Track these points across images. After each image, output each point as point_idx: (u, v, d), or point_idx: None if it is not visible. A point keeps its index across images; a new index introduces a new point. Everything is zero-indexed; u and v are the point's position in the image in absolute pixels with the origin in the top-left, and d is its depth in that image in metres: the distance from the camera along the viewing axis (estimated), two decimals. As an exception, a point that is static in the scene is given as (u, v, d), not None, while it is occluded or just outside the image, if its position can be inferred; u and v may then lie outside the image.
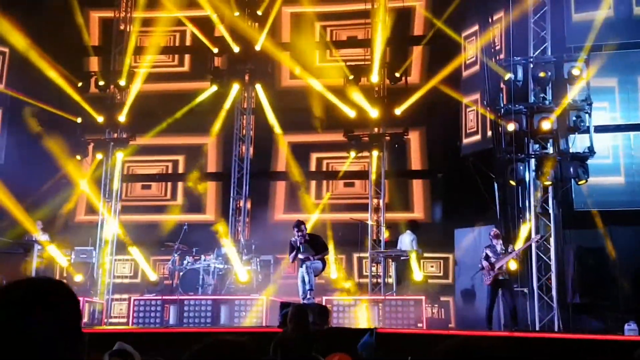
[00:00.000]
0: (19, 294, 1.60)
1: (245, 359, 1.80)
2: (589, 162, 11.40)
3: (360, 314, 11.42)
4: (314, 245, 9.99)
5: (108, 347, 4.93)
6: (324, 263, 10.15)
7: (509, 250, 10.38)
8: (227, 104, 14.97)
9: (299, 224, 10.03)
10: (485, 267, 10.33)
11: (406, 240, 12.75)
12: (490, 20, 13.03)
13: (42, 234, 12.86)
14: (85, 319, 12.24)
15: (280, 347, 3.22)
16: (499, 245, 10.43)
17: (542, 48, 12.18)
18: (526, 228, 11.55)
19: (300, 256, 10.10)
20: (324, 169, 15.17)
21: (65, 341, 1.58)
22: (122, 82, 14.70)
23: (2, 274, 11.99)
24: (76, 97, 14.50)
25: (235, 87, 14.92)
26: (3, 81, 14.85)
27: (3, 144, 14.56)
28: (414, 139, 14.74)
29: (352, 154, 14.13)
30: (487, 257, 10.36)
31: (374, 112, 13.94)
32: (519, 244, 11.00)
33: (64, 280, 1.80)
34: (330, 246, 12.40)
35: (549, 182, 11.49)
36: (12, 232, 13.01)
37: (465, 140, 13.81)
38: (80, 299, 12.01)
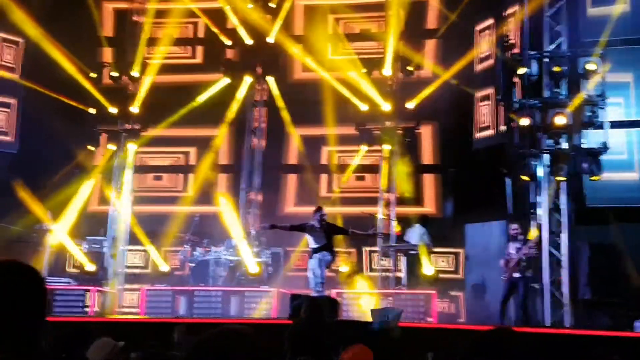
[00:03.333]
0: None
1: (253, 349, 1.80)
2: (603, 157, 11.30)
3: (370, 308, 11.41)
4: (329, 234, 9.96)
5: (119, 335, 4.96)
6: (334, 255, 10.13)
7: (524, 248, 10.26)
8: (239, 96, 14.98)
9: (320, 208, 10.04)
10: (502, 263, 10.19)
11: (415, 234, 12.71)
12: (504, 14, 12.93)
13: (55, 224, 12.97)
14: (96, 308, 12.34)
15: (294, 338, 3.23)
16: (519, 241, 10.28)
17: (557, 42, 12.07)
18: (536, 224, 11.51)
19: (312, 245, 10.07)
20: (335, 162, 15.15)
21: (24, 325, 1.55)
22: (135, 74, 14.76)
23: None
24: (90, 87, 14.57)
25: (248, 80, 14.93)
26: (18, 71, 14.93)
27: (17, 134, 14.67)
28: (426, 133, 14.68)
29: (364, 147, 14.11)
30: (508, 253, 10.26)
31: (386, 106, 13.91)
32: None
33: (33, 266, 1.74)
34: (340, 239, 12.41)
35: (562, 178, 11.41)
36: (25, 221, 13.13)
37: (478, 135, 13.73)
38: (92, 288, 11.98)
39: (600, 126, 11.45)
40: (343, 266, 12.95)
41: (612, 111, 11.90)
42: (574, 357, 7.19)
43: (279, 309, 11.36)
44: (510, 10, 12.89)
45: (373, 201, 14.07)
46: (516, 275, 10.16)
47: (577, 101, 11.45)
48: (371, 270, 14.12)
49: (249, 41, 14.91)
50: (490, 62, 13.44)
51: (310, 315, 5.90)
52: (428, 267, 12.32)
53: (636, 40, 12.35)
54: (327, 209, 13.77)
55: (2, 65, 14.70)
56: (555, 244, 11.49)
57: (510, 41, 12.81)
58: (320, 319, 5.86)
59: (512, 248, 10.26)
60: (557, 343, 8.19)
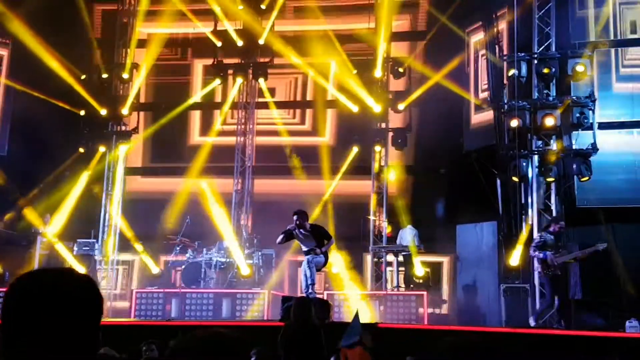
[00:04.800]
0: (42, 284, 1.60)
1: (238, 352, 1.80)
2: (592, 158, 11.37)
3: (362, 309, 11.43)
4: (317, 237, 9.90)
5: (110, 339, 4.95)
6: (327, 257, 10.09)
7: (569, 246, 9.97)
8: (230, 98, 14.96)
9: (295, 213, 9.95)
10: (550, 259, 9.85)
11: (407, 235, 12.75)
12: (494, 16, 12.99)
13: (48, 227, 12.92)
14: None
15: (285, 339, 3.24)
16: (554, 237, 10.02)
17: (546, 44, 12.14)
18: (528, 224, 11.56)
19: (303, 248, 10.06)
20: (327, 163, 15.13)
21: (81, 337, 1.58)
22: (125, 75, 14.71)
23: (6, 265, 12.03)
24: (79, 89, 14.51)
25: (239, 81, 14.92)
26: (6, 73, 14.85)
27: (6, 136, 14.59)
28: (416, 134, 14.72)
29: (355, 148, 14.12)
30: (543, 247, 9.92)
31: (377, 107, 13.94)
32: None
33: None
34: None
35: (552, 179, 11.47)
36: (15, 224, 13.06)
37: (468, 136, 13.79)
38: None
39: (589, 127, 11.52)
40: (335, 267, 12.93)
41: (601, 112, 11.98)
42: (565, 358, 7.24)
43: (270, 311, 11.35)
44: (499, 12, 12.96)
45: (365, 202, 14.08)
46: (559, 273, 9.89)
47: (566, 102, 11.51)
48: (363, 271, 14.12)
49: (239, 42, 14.89)
50: (480, 64, 13.49)
51: (297, 316, 5.89)
52: (419, 268, 12.34)
53: (624, 42, 12.44)
54: (319, 211, 13.92)
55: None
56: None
57: (500, 43, 12.88)
58: (307, 320, 5.85)
59: (549, 241, 9.91)
60: (548, 344, 8.22)
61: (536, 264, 10.18)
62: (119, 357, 4.48)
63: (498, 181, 12.38)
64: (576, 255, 9.92)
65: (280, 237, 9.94)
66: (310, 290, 9.68)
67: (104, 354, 4.40)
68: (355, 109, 14.16)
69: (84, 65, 15.09)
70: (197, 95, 15.46)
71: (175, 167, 15.74)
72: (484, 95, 13.52)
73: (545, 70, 11.66)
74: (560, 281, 10.02)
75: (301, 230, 9.78)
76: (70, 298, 1.58)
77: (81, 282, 1.64)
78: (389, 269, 13.02)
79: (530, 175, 11.68)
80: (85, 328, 1.59)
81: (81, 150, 14.49)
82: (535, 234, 10.67)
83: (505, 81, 12.19)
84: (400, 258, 12.66)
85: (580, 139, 11.67)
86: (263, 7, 15.10)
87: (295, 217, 9.79)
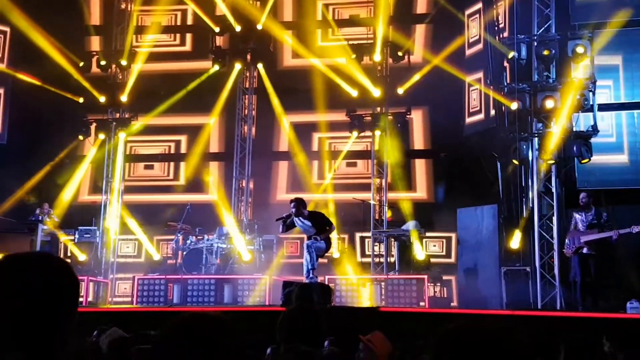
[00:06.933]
0: (21, 267, 1.59)
1: (226, 334, 1.80)
2: (593, 140, 11.35)
3: (363, 293, 11.48)
4: (317, 224, 9.88)
5: (113, 325, 4.96)
6: (329, 243, 10.08)
7: (602, 221, 9.67)
8: (229, 84, 14.91)
9: (292, 201, 9.92)
10: (574, 236, 9.69)
11: (410, 225, 12.77)
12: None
13: (48, 215, 12.94)
14: (90, 298, 12.35)
15: (285, 325, 3.25)
16: (590, 214, 9.81)
17: (546, 26, 12.07)
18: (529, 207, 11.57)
19: (305, 234, 10.07)
20: (327, 148, 15.13)
21: (57, 320, 1.56)
22: (123, 62, 14.66)
23: (7, 252, 12.03)
24: (78, 76, 14.47)
25: (237, 67, 14.85)
26: (5, 61, 14.79)
27: (6, 125, 14.56)
28: (416, 118, 14.68)
29: (355, 133, 14.10)
30: (575, 224, 9.82)
31: (376, 92, 13.89)
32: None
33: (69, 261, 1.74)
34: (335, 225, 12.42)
35: (552, 161, 11.46)
36: (15, 211, 13.09)
37: (468, 120, 13.75)
38: (85, 278, 11.94)
39: (589, 109, 11.49)
40: (336, 252, 12.96)
41: (602, 94, 11.94)
42: (565, 339, 7.25)
43: (271, 296, 11.40)
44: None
45: (365, 187, 14.09)
46: (586, 251, 9.71)
47: (566, 84, 11.46)
48: (364, 256, 14.16)
49: (237, 28, 14.80)
50: (480, 46, 13.42)
51: (299, 302, 5.91)
52: (420, 252, 12.37)
53: (625, 23, 12.36)
54: (319, 197, 13.92)
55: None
56: (546, 227, 11.57)
57: (500, 25, 12.80)
58: (310, 305, 5.87)
59: (579, 220, 9.79)
60: (550, 325, 8.26)
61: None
62: (127, 335, 4.50)
63: (498, 164, 12.37)
64: (607, 235, 9.59)
65: (281, 226, 9.95)
66: (311, 275, 9.70)
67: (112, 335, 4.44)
68: (354, 93, 14.11)
69: (83, 53, 15.04)
70: (195, 81, 15.38)
71: (175, 153, 15.75)
72: (484, 78, 13.45)
73: (545, 52, 11.60)
74: (587, 260, 9.79)
75: (300, 217, 9.76)
76: (44, 282, 1.56)
77: (56, 266, 1.62)
78: (389, 253, 13.05)
79: (530, 157, 11.67)
80: (59, 311, 1.56)
81: (80, 137, 14.47)
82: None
83: (505, 63, 12.13)
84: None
85: (581, 121, 11.65)
86: (261, -9, 14.99)
87: (292, 205, 9.77)
